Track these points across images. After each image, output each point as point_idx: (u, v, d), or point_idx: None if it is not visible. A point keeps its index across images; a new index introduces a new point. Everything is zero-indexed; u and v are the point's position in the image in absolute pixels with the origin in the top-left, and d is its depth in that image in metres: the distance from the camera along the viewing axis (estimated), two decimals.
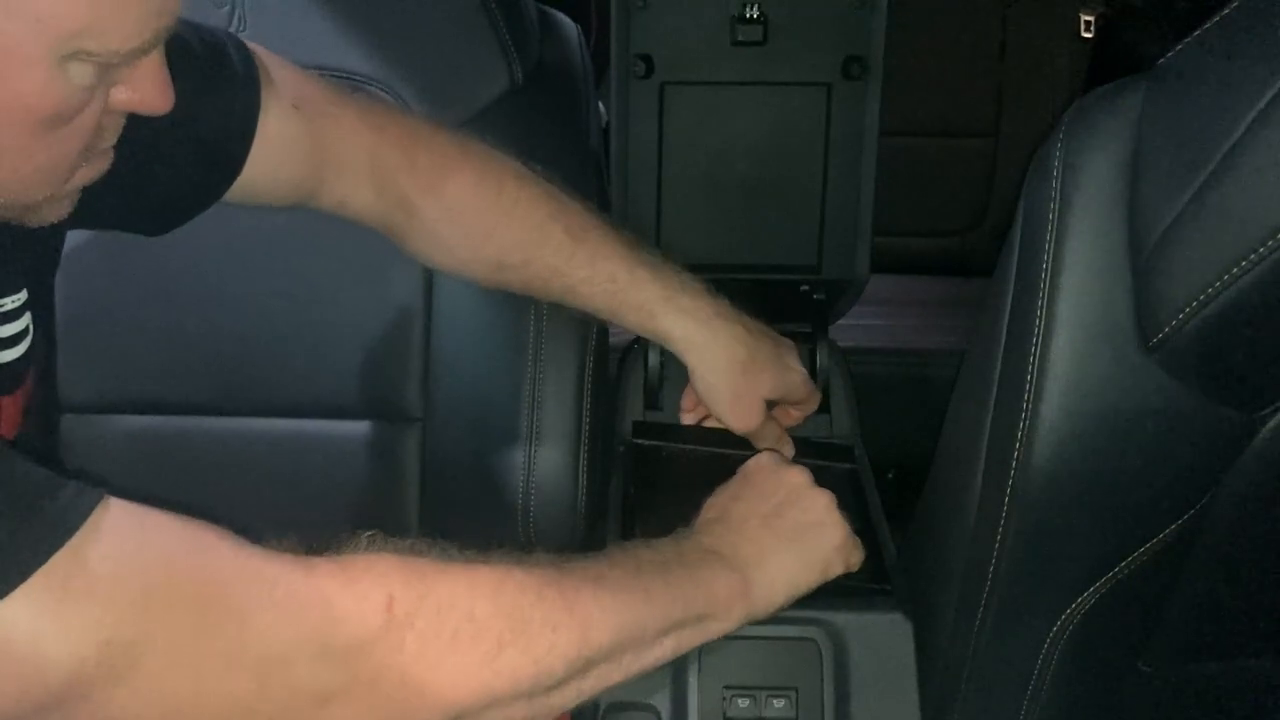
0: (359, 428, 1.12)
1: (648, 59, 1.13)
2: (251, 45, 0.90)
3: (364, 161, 0.93)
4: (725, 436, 1.05)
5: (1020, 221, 0.76)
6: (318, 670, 0.63)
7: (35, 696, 0.57)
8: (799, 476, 0.88)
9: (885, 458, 1.17)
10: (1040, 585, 0.79)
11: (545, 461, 1.08)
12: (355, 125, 0.93)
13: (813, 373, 1.13)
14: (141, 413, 1.12)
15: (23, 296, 0.77)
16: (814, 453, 1.07)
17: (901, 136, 1.65)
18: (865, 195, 1.16)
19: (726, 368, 1.01)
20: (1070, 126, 0.72)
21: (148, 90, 0.66)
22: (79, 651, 0.57)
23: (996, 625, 0.81)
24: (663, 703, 0.91)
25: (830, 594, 0.87)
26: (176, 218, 0.91)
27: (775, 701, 0.91)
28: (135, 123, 0.70)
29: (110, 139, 0.69)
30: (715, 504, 0.88)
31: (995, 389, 0.78)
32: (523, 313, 1.07)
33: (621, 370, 1.19)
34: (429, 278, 1.08)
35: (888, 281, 1.65)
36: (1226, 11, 0.67)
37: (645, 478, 1.04)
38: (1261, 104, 0.60)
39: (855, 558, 0.88)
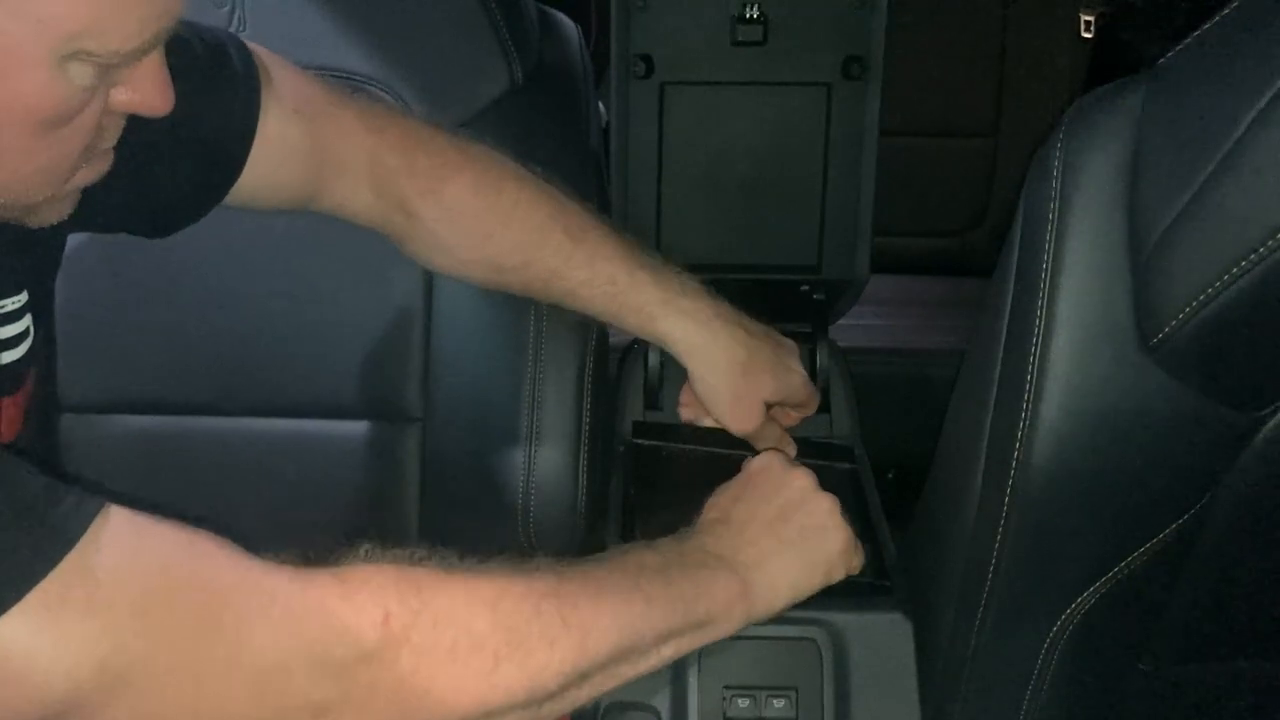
0: (359, 428, 1.12)
1: (648, 59, 1.13)
2: (252, 46, 0.90)
3: (363, 163, 0.93)
4: (725, 437, 1.05)
5: (1020, 221, 0.76)
6: (314, 684, 0.63)
7: (34, 711, 0.57)
8: (803, 479, 0.88)
9: (885, 458, 1.17)
10: (1040, 585, 0.79)
11: (545, 461, 1.08)
12: (355, 127, 0.93)
13: (812, 373, 1.13)
14: (141, 413, 1.12)
15: (23, 298, 0.77)
16: (814, 453, 1.07)
17: (901, 136, 1.65)
18: (865, 195, 1.16)
19: (726, 370, 1.00)
20: (1070, 126, 0.72)
21: (148, 91, 0.66)
22: (77, 667, 0.57)
23: (996, 625, 0.81)
24: (663, 703, 0.91)
25: (830, 594, 0.87)
26: (177, 220, 0.91)
27: (775, 701, 0.91)
28: (135, 124, 0.70)
29: (111, 140, 0.69)
30: (717, 504, 0.87)
31: (995, 389, 0.78)
32: (523, 313, 1.07)
33: (621, 370, 1.19)
34: (429, 278, 1.08)
35: (888, 281, 1.65)
36: (1226, 11, 0.67)
37: (645, 478, 1.04)
38: (1261, 104, 0.60)
39: (857, 562, 0.88)
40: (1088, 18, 2.02)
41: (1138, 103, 0.70)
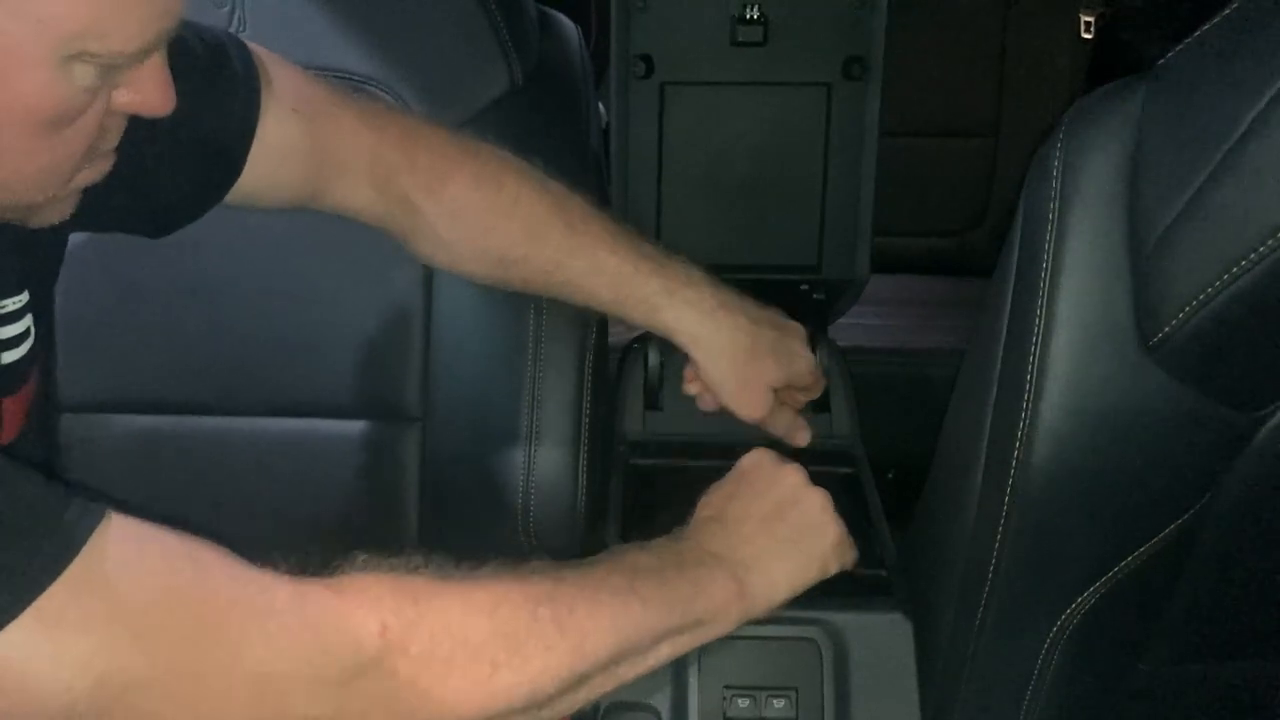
0: (359, 427, 1.12)
1: (648, 59, 1.13)
2: (252, 46, 0.90)
3: (364, 162, 0.93)
4: (725, 449, 1.04)
5: (1020, 221, 0.76)
6: (312, 697, 0.63)
7: None
8: (795, 475, 0.88)
9: (885, 458, 1.17)
10: (1040, 585, 0.79)
11: (545, 461, 1.08)
12: (355, 126, 0.93)
13: None
14: (141, 413, 1.12)
15: (24, 298, 0.77)
16: (814, 459, 1.07)
17: (901, 136, 1.65)
18: (865, 195, 1.16)
19: (731, 358, 1.01)
20: (1070, 126, 0.72)
21: (150, 92, 0.66)
22: (75, 680, 0.57)
23: (996, 625, 0.81)
24: (663, 703, 0.91)
25: (830, 594, 0.87)
26: (177, 220, 0.91)
27: (775, 701, 0.91)
28: (135, 124, 0.70)
29: (112, 140, 0.69)
30: (711, 502, 0.87)
31: (995, 389, 0.78)
32: (522, 313, 1.07)
33: (621, 370, 1.19)
34: (429, 278, 1.08)
35: (888, 281, 1.65)
36: (1226, 11, 0.67)
37: (644, 499, 1.04)
38: (1261, 104, 0.60)
39: (850, 556, 0.88)
40: (1088, 18, 2.02)
41: (1138, 103, 0.70)
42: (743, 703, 0.91)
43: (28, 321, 0.77)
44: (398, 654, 0.65)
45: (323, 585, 0.65)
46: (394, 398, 1.10)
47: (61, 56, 0.59)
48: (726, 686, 0.91)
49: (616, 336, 1.20)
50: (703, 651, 0.87)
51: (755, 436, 1.03)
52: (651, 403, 1.16)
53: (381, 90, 1.04)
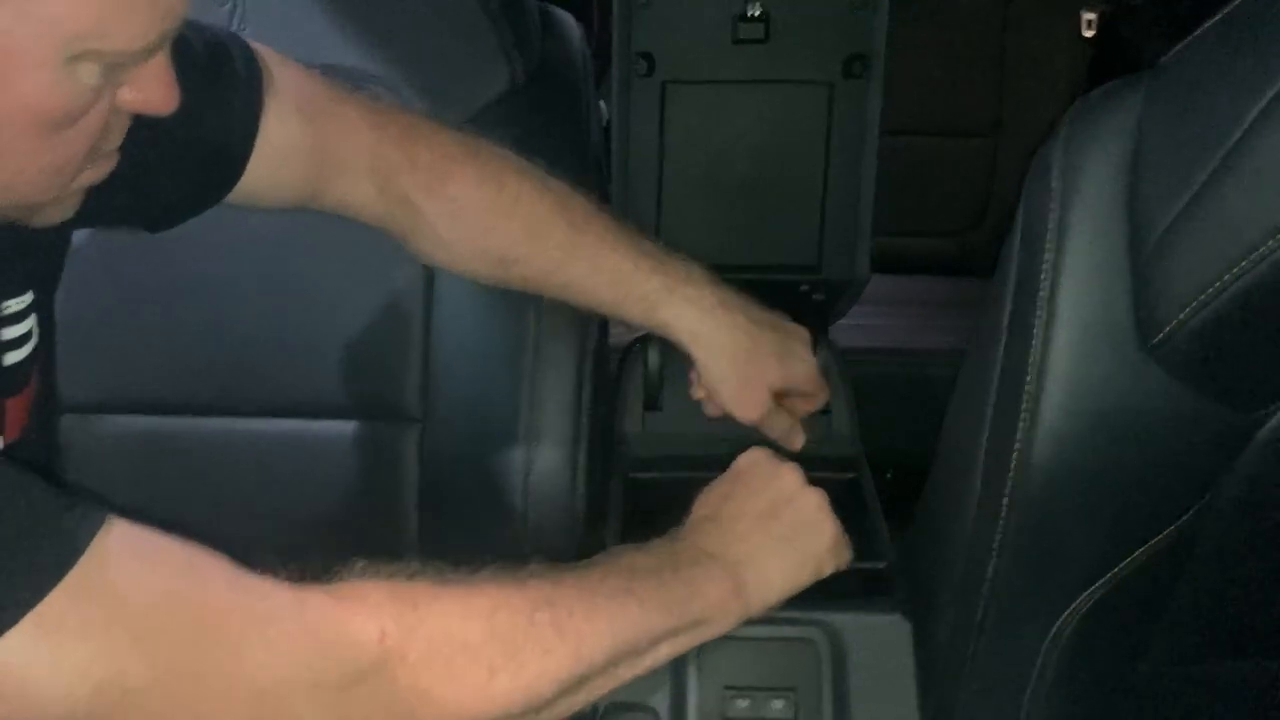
0: (358, 428, 1.12)
1: (649, 57, 1.13)
2: (254, 45, 0.89)
3: (365, 161, 0.93)
4: (723, 458, 1.04)
5: (1020, 221, 0.76)
6: (311, 704, 0.64)
7: None
8: (791, 474, 0.88)
9: (885, 458, 1.17)
10: (1040, 585, 0.79)
11: (544, 462, 1.08)
12: (357, 124, 0.93)
13: None
14: (141, 413, 1.12)
15: (28, 299, 0.77)
16: (813, 456, 1.07)
17: (902, 136, 1.65)
18: (865, 195, 1.16)
19: (731, 357, 1.00)
20: (1070, 126, 0.72)
21: (153, 91, 0.66)
22: (74, 688, 0.57)
23: (996, 625, 0.81)
24: (662, 703, 0.91)
25: (829, 594, 0.87)
26: (178, 217, 0.91)
27: (774, 702, 0.91)
28: (138, 123, 0.70)
29: (116, 140, 0.69)
30: (707, 501, 0.87)
31: (995, 389, 0.78)
32: (522, 313, 1.07)
33: (621, 370, 1.19)
34: (429, 278, 1.08)
35: (888, 281, 1.65)
36: (1227, 11, 0.67)
37: (645, 506, 1.04)
38: (1262, 104, 0.60)
39: (846, 556, 0.88)
40: (1089, 17, 2.02)
41: (1138, 103, 0.70)
42: (742, 703, 0.91)
43: (31, 322, 0.77)
44: (397, 660, 0.65)
45: (322, 591, 0.65)
46: (394, 398, 1.10)
47: (66, 56, 0.59)
48: (726, 687, 0.91)
49: (616, 336, 1.20)
50: (702, 652, 0.87)
51: (756, 437, 1.03)
52: (651, 403, 1.16)
53: (382, 89, 1.04)
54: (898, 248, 1.89)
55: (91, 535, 0.58)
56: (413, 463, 1.11)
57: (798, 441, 1.06)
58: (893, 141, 1.19)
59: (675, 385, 1.11)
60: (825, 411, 1.13)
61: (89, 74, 0.61)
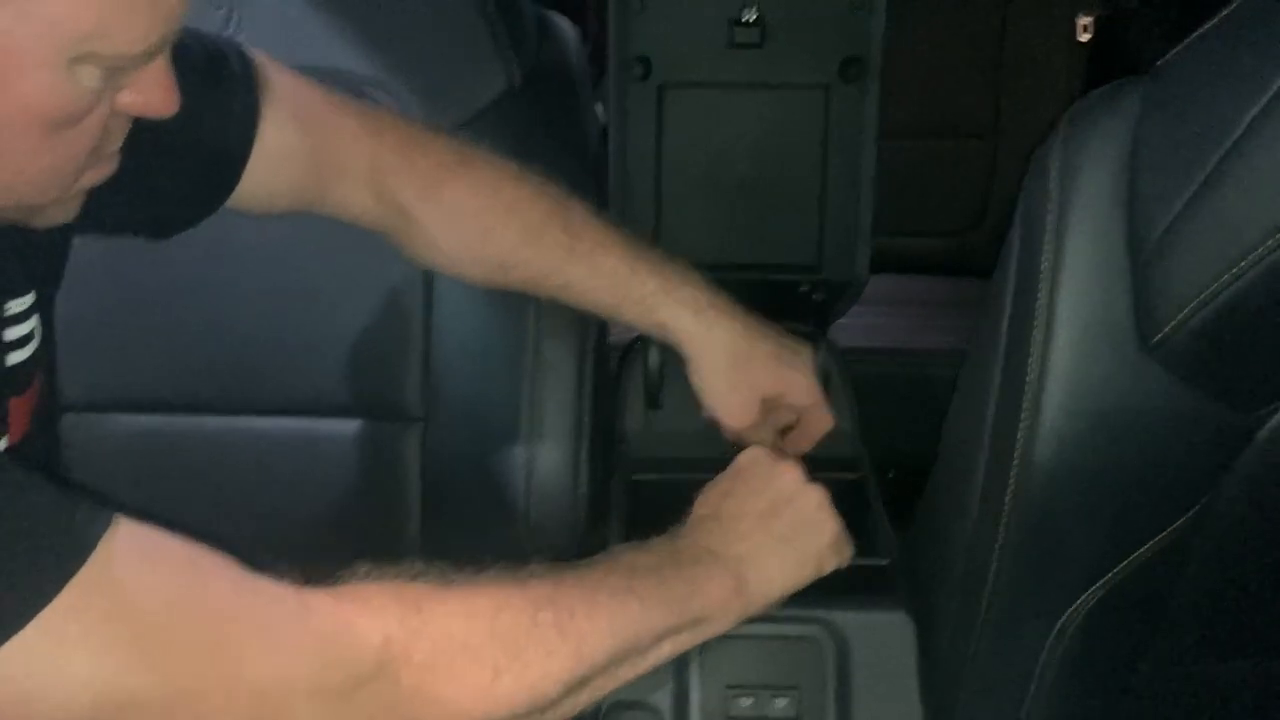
0: (359, 427, 1.12)
1: (646, 61, 1.14)
2: (251, 52, 0.90)
3: (363, 167, 0.93)
4: (726, 457, 1.04)
5: (1020, 222, 0.76)
6: (315, 709, 0.64)
7: None
8: (791, 472, 0.88)
9: (885, 458, 1.17)
10: (1041, 585, 0.80)
11: (545, 461, 1.08)
12: (354, 131, 0.93)
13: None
14: (141, 412, 1.12)
15: (29, 299, 0.77)
16: (814, 456, 1.07)
17: (901, 137, 1.65)
18: (865, 195, 1.16)
19: (723, 360, 1.00)
20: (1070, 127, 0.72)
21: (154, 93, 0.66)
22: (76, 698, 0.57)
23: (997, 625, 0.81)
24: (664, 701, 0.91)
25: (832, 593, 0.87)
26: (178, 224, 0.91)
27: (777, 700, 0.91)
28: (137, 129, 0.70)
29: (116, 142, 0.69)
30: (708, 500, 0.87)
31: (995, 389, 0.78)
32: (522, 313, 1.08)
33: (621, 370, 1.19)
34: (429, 278, 1.09)
35: (888, 281, 1.65)
36: (1226, 12, 0.67)
37: (646, 511, 1.04)
38: (1261, 104, 0.60)
39: (847, 554, 0.88)
40: (1086, 19, 2.02)
41: (1137, 103, 0.70)
42: (744, 702, 0.91)
43: (34, 323, 0.77)
44: (401, 663, 0.65)
45: (326, 594, 0.66)
46: (394, 397, 1.11)
47: (68, 58, 0.59)
48: (728, 685, 0.91)
49: (616, 336, 1.20)
50: (704, 650, 0.87)
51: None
52: (652, 402, 1.16)
53: (379, 91, 1.04)
54: (898, 248, 1.89)
55: (98, 537, 0.58)
56: (414, 462, 1.11)
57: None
58: (892, 142, 1.20)
59: (675, 384, 1.11)
60: None
61: (90, 76, 0.61)
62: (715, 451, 0.97)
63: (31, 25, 0.58)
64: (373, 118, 0.95)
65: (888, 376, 1.56)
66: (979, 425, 0.79)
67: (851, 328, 1.28)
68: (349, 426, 1.11)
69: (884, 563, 0.97)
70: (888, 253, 1.32)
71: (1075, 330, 0.71)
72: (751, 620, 0.82)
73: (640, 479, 1.10)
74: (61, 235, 0.80)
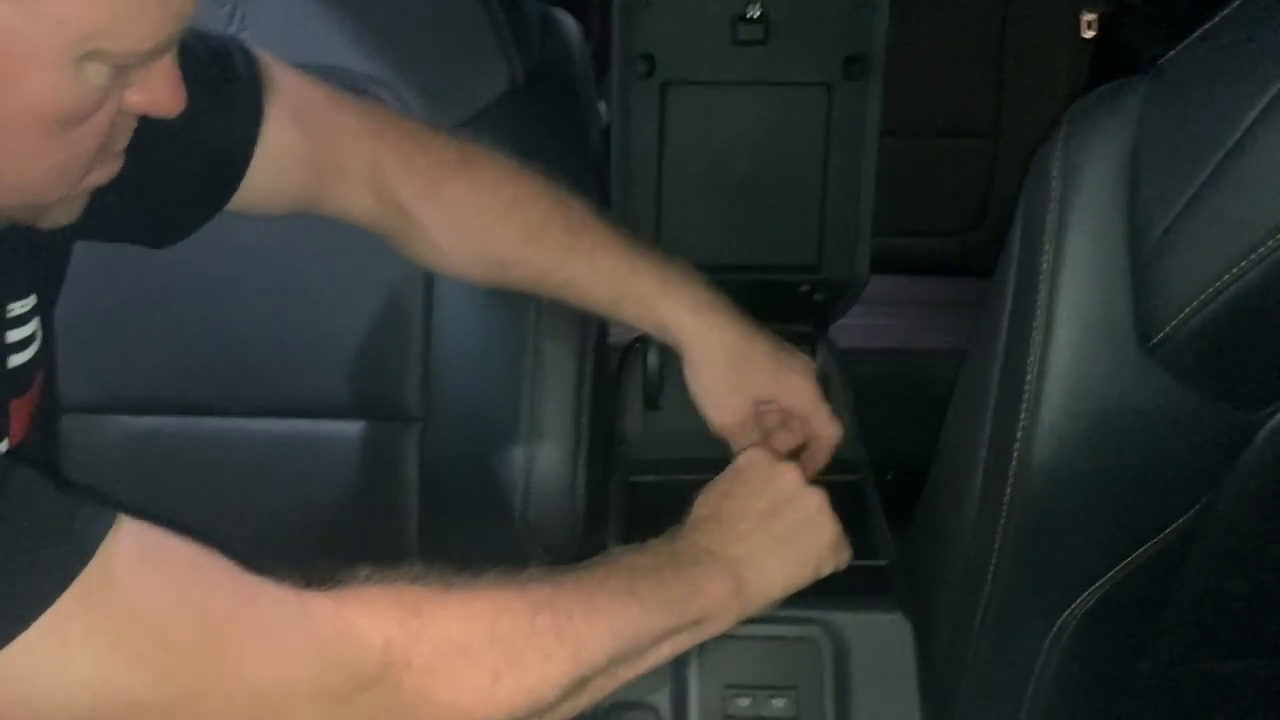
0: (358, 428, 1.12)
1: (649, 58, 1.13)
2: (255, 51, 0.90)
3: (364, 167, 0.93)
4: (726, 458, 1.03)
5: (1020, 221, 0.76)
6: (315, 712, 0.64)
7: None
8: (791, 473, 0.87)
9: (885, 458, 1.17)
10: (1040, 585, 0.79)
11: (545, 461, 1.08)
12: (355, 130, 0.93)
13: None
14: (141, 413, 1.12)
15: (31, 301, 0.77)
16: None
17: (901, 137, 1.65)
18: (865, 195, 1.16)
19: (720, 359, 0.99)
20: (1070, 126, 0.72)
21: (160, 92, 0.66)
22: (74, 702, 0.57)
23: (997, 625, 0.81)
24: (663, 701, 0.91)
25: (831, 594, 0.87)
26: (179, 228, 0.91)
27: (775, 701, 0.91)
28: (141, 128, 0.70)
29: (122, 141, 0.69)
30: (707, 500, 0.87)
31: (995, 389, 0.78)
32: (522, 313, 1.07)
33: (621, 370, 1.19)
34: (429, 278, 1.08)
35: (888, 281, 1.65)
36: (1226, 11, 0.67)
37: (645, 512, 1.04)
38: (1262, 104, 0.60)
39: (846, 556, 0.88)
40: (1088, 18, 2.02)
41: (1138, 103, 0.70)
42: (743, 702, 0.91)
43: (35, 325, 0.77)
44: (401, 667, 0.65)
45: (327, 598, 0.66)
46: (394, 398, 1.10)
47: (75, 56, 0.59)
48: (727, 685, 0.91)
49: (616, 336, 1.20)
50: (703, 650, 0.87)
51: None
52: (652, 402, 1.16)
53: (382, 89, 1.04)
54: (898, 248, 1.89)
55: (99, 539, 0.58)
56: (413, 462, 1.11)
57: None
58: (893, 142, 1.19)
59: (675, 385, 1.10)
60: None
61: (97, 75, 0.61)
62: (715, 452, 0.96)
63: (40, 24, 0.58)
64: (373, 116, 0.95)
65: (888, 376, 1.56)
66: (978, 425, 0.79)
67: (851, 328, 1.28)
68: (348, 427, 1.11)
69: (882, 563, 0.97)
70: (888, 253, 1.31)
71: (1075, 330, 0.71)
72: (750, 621, 0.82)
73: (639, 480, 1.10)
74: (63, 237, 0.80)
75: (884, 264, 1.23)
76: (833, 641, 0.91)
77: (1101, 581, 0.78)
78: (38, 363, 0.78)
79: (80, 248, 0.86)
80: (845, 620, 0.92)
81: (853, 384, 1.18)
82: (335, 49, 1.04)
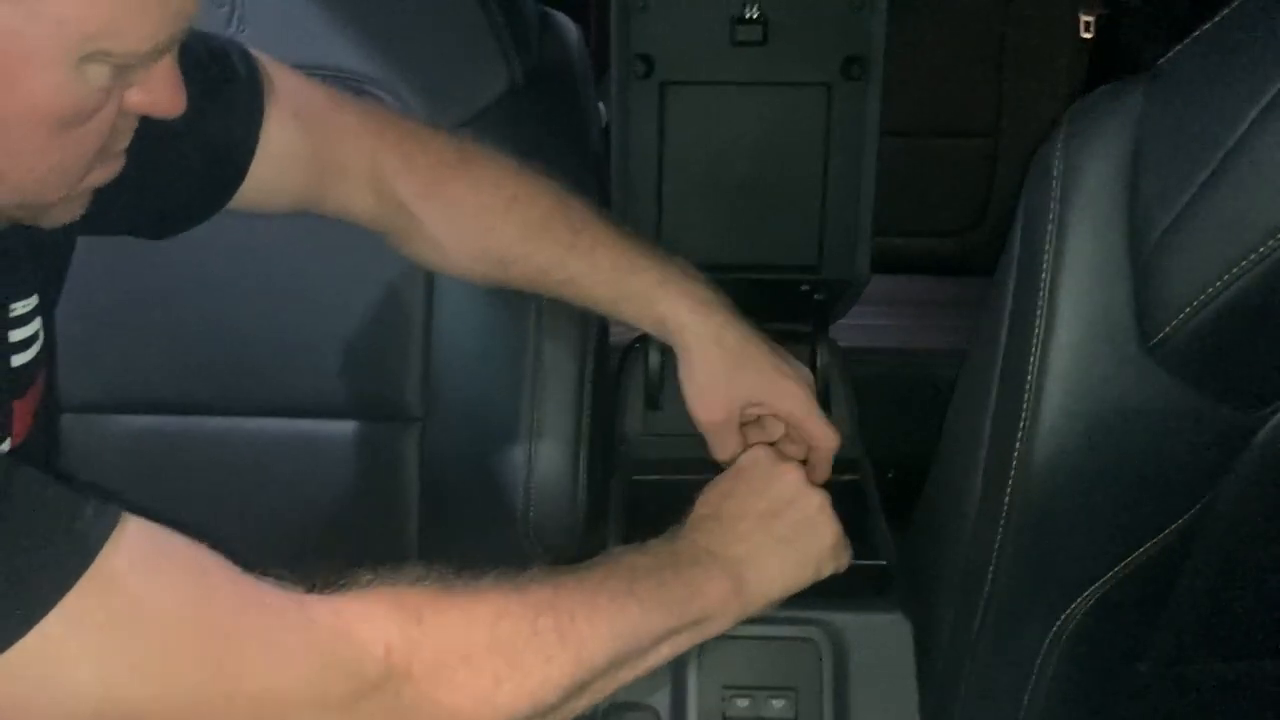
0: (359, 428, 1.12)
1: (648, 59, 1.13)
2: (254, 52, 0.90)
3: (364, 167, 0.93)
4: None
5: (1020, 221, 0.76)
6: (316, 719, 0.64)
7: None
8: (793, 474, 0.87)
9: (885, 458, 1.17)
10: (1040, 585, 0.79)
11: (545, 461, 1.08)
12: (356, 130, 0.93)
13: (813, 372, 1.12)
14: (141, 413, 1.12)
15: (33, 301, 0.77)
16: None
17: (901, 136, 1.65)
18: (865, 195, 1.16)
19: (716, 357, 0.98)
20: (1070, 126, 0.72)
21: (161, 92, 0.66)
22: (75, 706, 0.57)
23: (996, 625, 0.81)
24: (662, 702, 0.91)
25: (830, 594, 0.87)
26: (181, 224, 0.91)
27: (774, 701, 0.91)
28: (142, 129, 0.70)
29: (124, 141, 0.69)
30: (708, 500, 0.87)
31: (995, 389, 0.78)
32: (523, 313, 1.08)
33: (622, 370, 1.19)
34: (429, 278, 1.09)
35: (888, 281, 1.65)
36: (1226, 11, 0.67)
37: (646, 512, 1.04)
38: (1262, 104, 0.60)
39: (846, 557, 0.88)
40: (1088, 18, 2.02)
41: (1138, 103, 0.70)
42: (742, 703, 0.91)
43: (37, 325, 0.77)
44: (402, 674, 0.65)
45: (328, 604, 0.66)
46: (394, 398, 1.10)
47: (77, 57, 0.59)
48: (726, 686, 0.91)
49: (617, 336, 1.20)
50: (702, 651, 0.87)
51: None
52: (652, 403, 1.16)
53: (381, 90, 1.04)
54: (898, 248, 1.89)
55: (102, 540, 0.58)
56: (413, 462, 1.11)
57: None
58: (893, 142, 1.19)
59: (676, 385, 1.10)
60: (825, 412, 1.13)
61: (99, 75, 0.61)
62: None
63: (41, 24, 0.58)
64: (373, 116, 0.95)
65: (888, 376, 1.55)
66: (979, 425, 0.79)
67: (851, 328, 1.28)
68: (349, 427, 1.11)
69: (882, 564, 0.97)
70: (888, 253, 1.31)
71: (1075, 330, 0.71)
72: (749, 621, 0.82)
73: (640, 480, 1.10)
74: (66, 237, 0.80)
75: (884, 264, 1.23)
76: (832, 642, 0.91)
77: (1101, 581, 0.78)
78: (40, 362, 0.78)
79: (81, 247, 0.86)
80: (845, 621, 0.92)
81: (853, 384, 1.18)
82: (335, 49, 1.04)
